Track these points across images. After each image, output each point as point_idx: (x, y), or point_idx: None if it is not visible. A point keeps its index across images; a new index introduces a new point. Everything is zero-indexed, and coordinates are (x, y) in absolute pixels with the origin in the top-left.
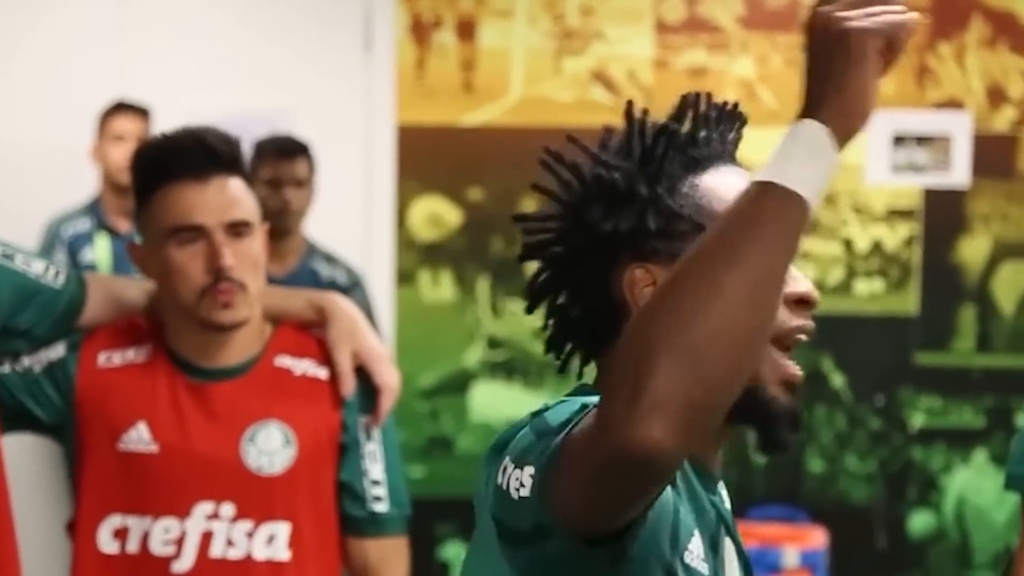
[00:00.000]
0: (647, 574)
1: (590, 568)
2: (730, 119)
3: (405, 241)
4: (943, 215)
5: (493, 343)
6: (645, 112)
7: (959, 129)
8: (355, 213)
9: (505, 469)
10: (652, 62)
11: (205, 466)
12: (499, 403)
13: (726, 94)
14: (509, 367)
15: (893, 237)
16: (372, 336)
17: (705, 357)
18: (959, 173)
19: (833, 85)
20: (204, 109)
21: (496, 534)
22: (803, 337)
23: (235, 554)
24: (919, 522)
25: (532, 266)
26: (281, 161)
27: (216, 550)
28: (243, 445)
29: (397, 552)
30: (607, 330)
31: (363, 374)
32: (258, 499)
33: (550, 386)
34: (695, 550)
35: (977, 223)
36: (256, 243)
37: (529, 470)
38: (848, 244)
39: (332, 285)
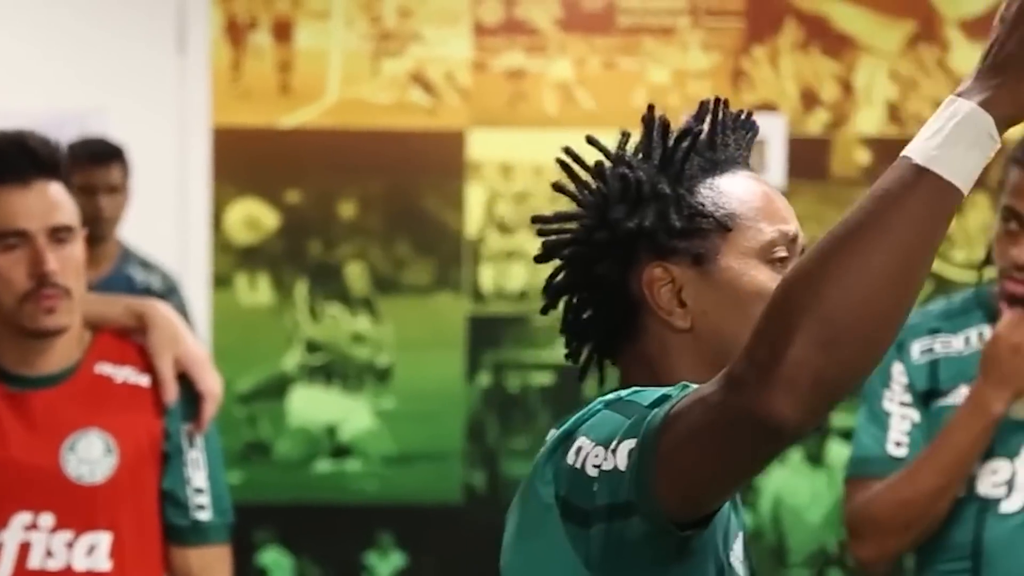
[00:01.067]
0: (704, 568)
1: (657, 553)
2: (745, 126)
3: (221, 244)
4: None
5: (311, 347)
6: (664, 116)
7: (774, 132)
8: (170, 216)
9: (580, 449)
10: (470, 64)
11: (23, 475)
12: (317, 408)
13: (544, 96)
14: (328, 371)
15: None
16: (193, 342)
17: (843, 334)
18: (774, 175)
19: (1021, 70)
20: (11, 111)
21: (561, 516)
22: None
23: (54, 565)
24: None
25: (352, 270)
26: (94, 167)
27: (35, 561)
28: (63, 454)
29: (220, 560)
30: (624, 329)
31: (185, 381)
32: (79, 509)
33: (369, 390)
34: (737, 551)
35: None
36: (78, 248)
37: (627, 444)
38: None
39: (147, 291)
